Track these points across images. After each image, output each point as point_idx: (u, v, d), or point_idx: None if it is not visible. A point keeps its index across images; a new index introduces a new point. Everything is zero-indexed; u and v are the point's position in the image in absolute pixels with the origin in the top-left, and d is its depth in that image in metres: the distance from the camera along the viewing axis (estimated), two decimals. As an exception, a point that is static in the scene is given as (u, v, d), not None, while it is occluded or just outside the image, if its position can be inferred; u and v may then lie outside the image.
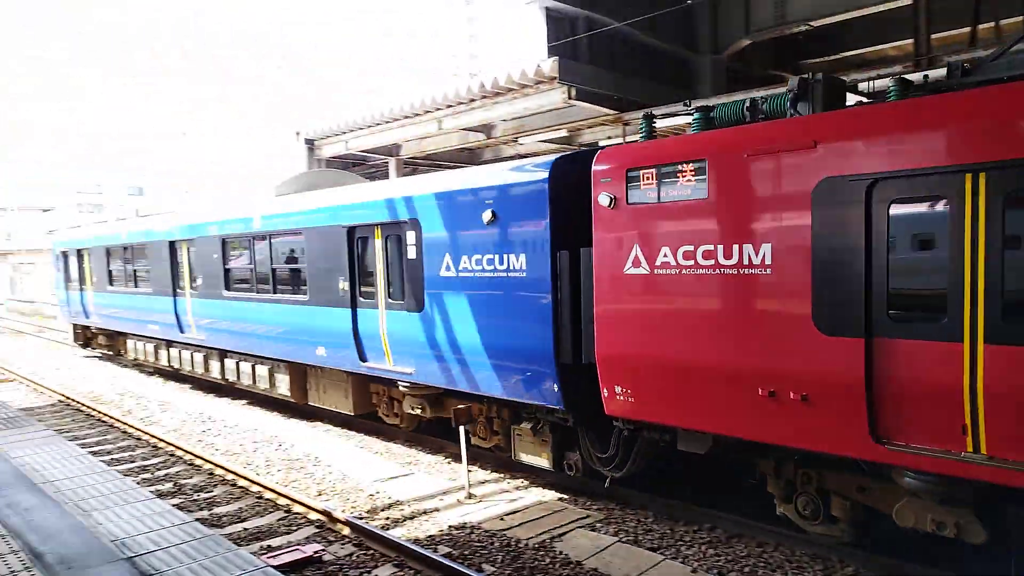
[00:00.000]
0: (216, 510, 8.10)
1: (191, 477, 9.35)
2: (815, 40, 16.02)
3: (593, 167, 6.68)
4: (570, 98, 12.59)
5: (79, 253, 18.65)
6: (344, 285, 9.72)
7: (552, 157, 7.21)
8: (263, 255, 11.46)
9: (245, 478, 9.03)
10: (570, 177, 6.98)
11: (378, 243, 9.20)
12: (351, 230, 9.56)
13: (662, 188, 6.13)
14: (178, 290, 13.94)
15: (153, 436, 11.22)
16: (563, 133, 15.04)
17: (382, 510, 7.92)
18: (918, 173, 4.84)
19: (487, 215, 7.53)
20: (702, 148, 5.90)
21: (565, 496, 8.33)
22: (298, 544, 7.02)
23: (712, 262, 5.82)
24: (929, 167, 4.78)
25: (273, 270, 11.28)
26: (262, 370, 12.22)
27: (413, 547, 6.65)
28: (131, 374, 17.59)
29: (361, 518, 7.61)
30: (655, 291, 6.25)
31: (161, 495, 8.48)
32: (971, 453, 4.75)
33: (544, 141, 15.59)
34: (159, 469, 9.74)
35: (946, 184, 4.74)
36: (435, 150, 17.35)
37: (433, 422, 10.37)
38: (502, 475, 9.10)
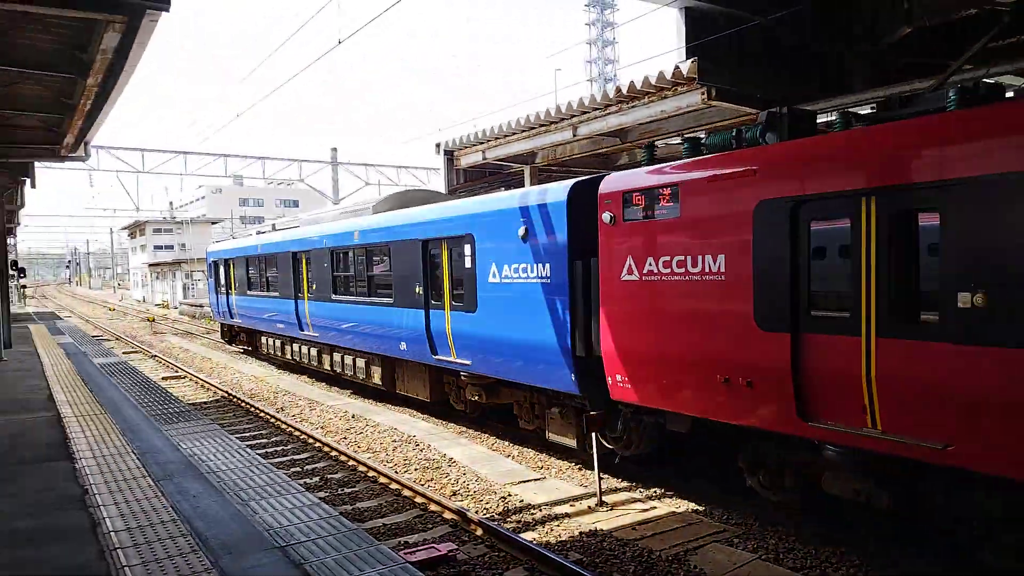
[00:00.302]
0: (359, 505, 8.52)
1: (336, 472, 9.89)
2: (985, 23, 14.66)
3: (600, 190, 8.02)
4: (709, 99, 12.24)
5: (225, 263, 22.00)
6: (419, 290, 11.53)
7: (572, 181, 8.56)
8: (361, 264, 13.63)
9: (385, 475, 9.43)
10: (585, 198, 8.29)
11: (444, 254, 10.92)
12: (424, 243, 11.37)
13: (648, 209, 7.46)
14: (298, 295, 16.36)
15: (303, 432, 11.97)
16: (701, 135, 14.64)
17: (514, 513, 8.02)
18: (828, 196, 5.90)
19: (521, 231, 9.13)
20: (676, 175, 7.19)
21: (700, 508, 8.08)
22: (433, 542, 7.24)
23: (683, 270, 7.10)
24: (836, 191, 5.84)
25: (369, 277, 13.32)
26: (361, 363, 14.42)
27: (544, 552, 6.69)
28: (282, 374, 18.87)
29: (494, 520, 7.75)
30: (642, 295, 7.56)
31: (309, 488, 9.02)
32: (869, 428, 5.75)
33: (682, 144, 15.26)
34: (308, 464, 10.37)
35: (848, 206, 5.80)
36: (569, 157, 17.42)
37: (491, 408, 11.84)
38: (634, 484, 8.97)
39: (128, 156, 35.92)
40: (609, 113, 14.14)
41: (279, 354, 18.91)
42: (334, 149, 39.83)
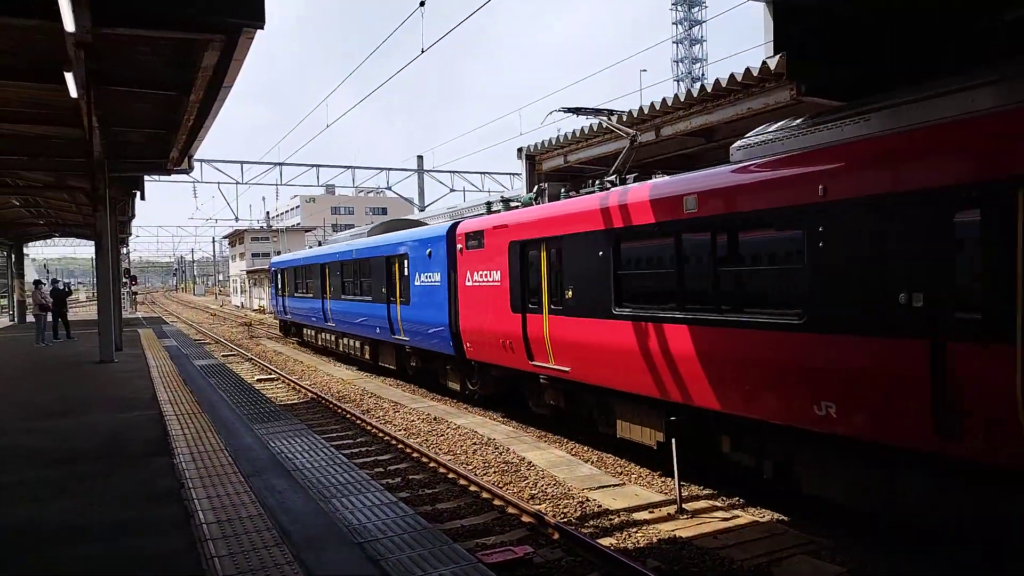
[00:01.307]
0: (438, 506, 8.67)
1: (417, 473, 10.10)
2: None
3: (457, 231, 13.24)
4: (798, 94, 11.84)
5: (281, 272, 29.29)
6: (384, 290, 17.21)
7: (450, 223, 13.95)
8: (356, 273, 19.42)
9: (465, 478, 9.57)
10: (454, 233, 13.42)
11: (396, 266, 16.49)
12: (387, 259, 16.94)
13: (473, 243, 12.55)
14: (324, 295, 22.75)
15: (387, 434, 12.29)
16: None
17: (592, 517, 7.98)
18: (529, 241, 10.95)
19: (428, 252, 14.51)
20: (481, 225, 12.35)
21: (786, 518, 7.82)
22: (510, 545, 7.29)
23: (485, 280, 12.13)
24: (532, 239, 10.92)
25: (360, 282, 19.11)
26: (357, 344, 20.51)
27: (621, 558, 6.63)
28: (368, 378, 19.41)
29: (571, 524, 7.73)
30: (473, 294, 12.60)
31: (391, 488, 9.24)
32: (553, 364, 10.53)
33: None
34: (391, 464, 10.64)
35: (537, 245, 10.90)
36: (653, 159, 17.19)
37: (424, 371, 16.89)
38: (716, 492, 8.77)
39: (228, 168, 37.87)
40: (693, 113, 13.86)
41: (315, 341, 25.32)
42: (420, 157, 40.66)
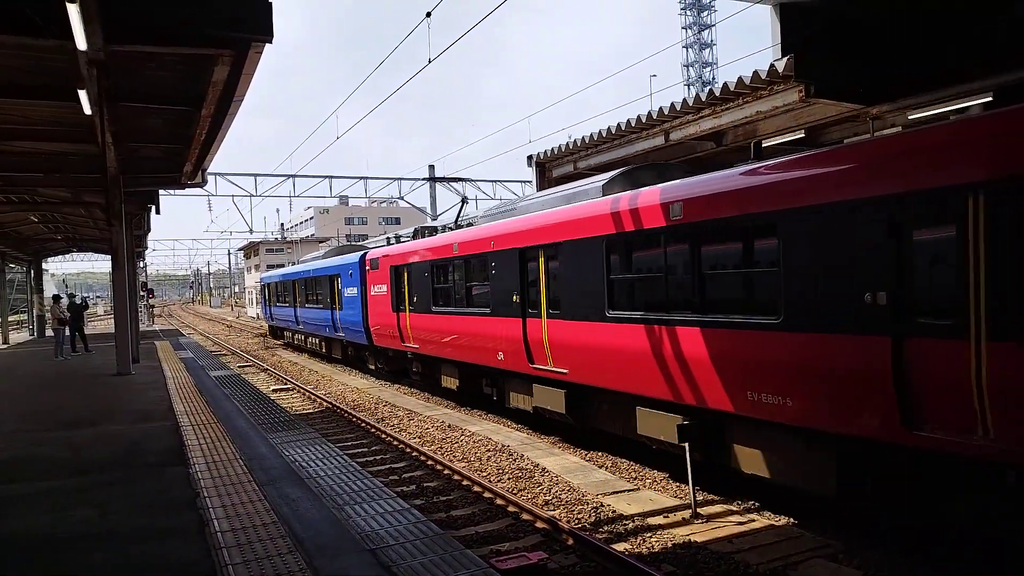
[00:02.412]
0: (453, 513, 8.70)
1: (432, 481, 10.13)
2: None
3: (367, 257, 19.37)
4: (807, 96, 11.81)
5: (266, 285, 37.07)
6: (329, 300, 23.74)
7: (363, 252, 20.50)
8: (313, 287, 26.28)
9: (479, 484, 9.59)
10: (364, 259, 19.63)
11: (336, 283, 22.75)
12: (330, 277, 23.48)
13: (374, 266, 18.47)
14: (295, 304, 29.49)
15: (401, 442, 12.33)
16: (801, 134, 14.16)
17: (606, 523, 7.97)
18: (399, 265, 16.97)
19: (351, 272, 20.74)
20: (376, 254, 18.46)
21: (798, 522, 7.77)
22: (524, 551, 7.30)
23: (379, 292, 18.06)
24: (399, 264, 17.03)
25: (316, 294, 25.73)
26: (316, 341, 27.49)
27: (636, 563, 6.62)
28: (383, 387, 19.49)
29: (585, 530, 7.73)
30: (373, 300, 18.57)
31: (405, 496, 9.28)
32: (411, 344, 16.35)
33: (783, 144, 14.76)
34: (405, 472, 10.68)
35: (401, 268, 17.03)
36: (662, 163, 17.17)
37: (355, 358, 23.67)
38: (731, 497, 8.73)
39: (242, 181, 38.32)
40: (702, 116, 13.87)
41: (291, 339, 32.87)
42: (431, 167, 40.87)
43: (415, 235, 18.75)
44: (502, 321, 12.30)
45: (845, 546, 7.05)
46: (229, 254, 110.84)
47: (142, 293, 42.15)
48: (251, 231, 47.03)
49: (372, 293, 19.10)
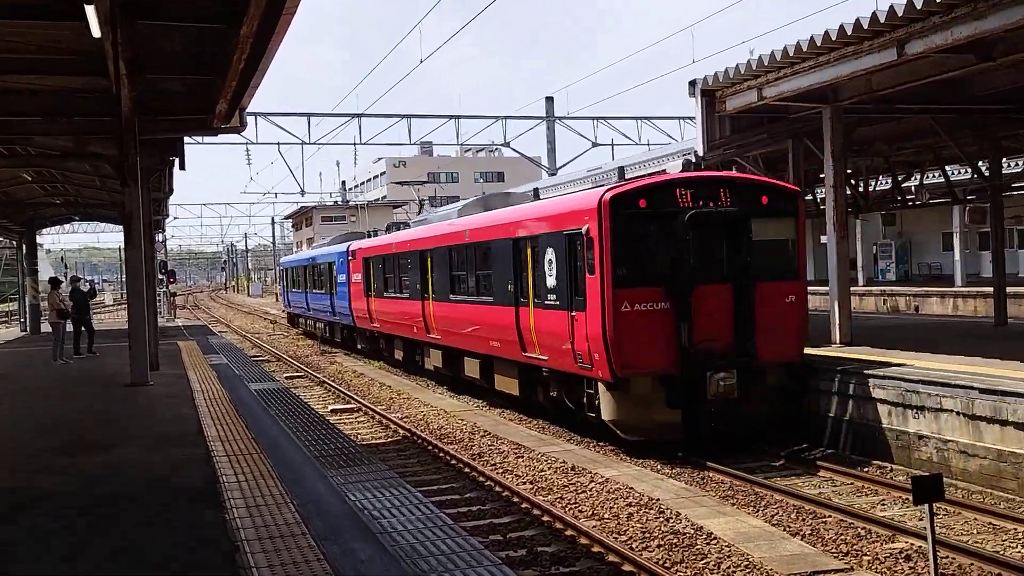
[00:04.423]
0: (578, 590, 8.77)
1: (549, 544, 10.25)
2: None
3: (349, 248, 34.95)
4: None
5: (284, 270, 51.86)
6: (328, 285, 38.16)
7: (348, 244, 35.82)
8: (318, 272, 40.53)
9: (617, 553, 9.62)
10: (347, 251, 35.11)
11: (331, 270, 37.58)
12: (328, 264, 38.23)
13: (354, 256, 33.71)
14: (305, 290, 43.70)
15: (506, 487, 12.53)
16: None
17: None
18: (369, 257, 31.89)
19: (341, 261, 35.80)
20: (355, 247, 34.12)
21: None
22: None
23: (357, 280, 32.94)
24: (368, 256, 32.13)
25: (318, 279, 40.83)
26: (321, 325, 41.86)
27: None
28: (480, 410, 19.84)
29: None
30: (355, 288, 33.29)
31: (511, 562, 9.43)
32: (375, 325, 31.01)
33: None
34: (511, 530, 10.85)
35: (369, 260, 32.69)
36: (893, 89, 16.52)
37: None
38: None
39: (292, 124, 39.56)
40: (956, 18, 13.17)
41: (304, 327, 45.80)
42: (549, 99, 40.74)
43: (387, 230, 33.40)
44: (416, 303, 24.75)
45: None
46: (273, 223, 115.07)
47: (160, 276, 44.55)
48: (303, 192, 48.83)
49: (353, 280, 32.97)
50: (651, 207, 14.62)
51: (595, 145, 41.77)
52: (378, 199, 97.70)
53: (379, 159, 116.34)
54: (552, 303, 16.24)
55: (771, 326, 14.56)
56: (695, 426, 14.34)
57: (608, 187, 15.41)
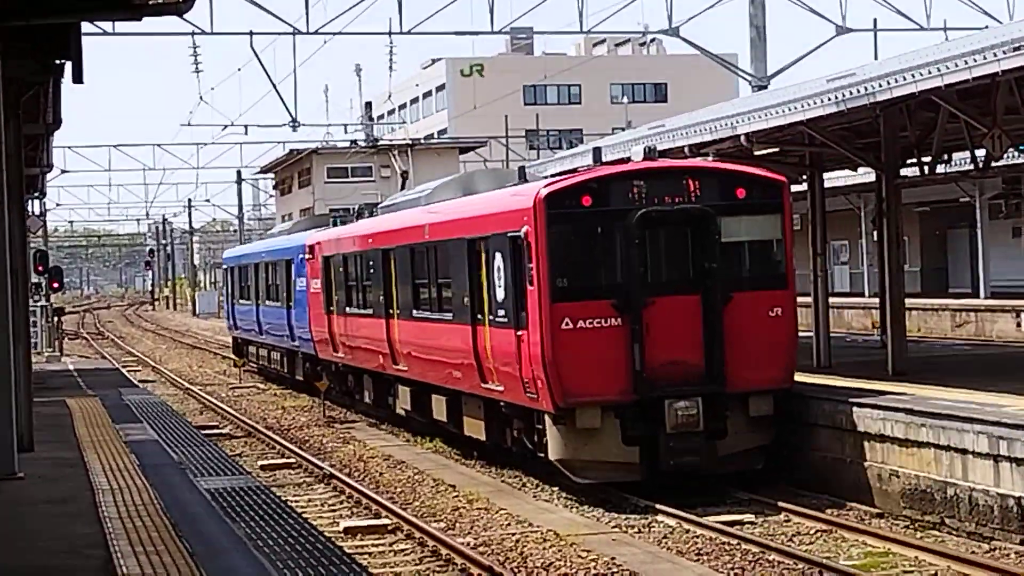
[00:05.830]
0: None
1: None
2: None
3: (306, 242, 28.58)
4: None
5: (227, 270, 43.78)
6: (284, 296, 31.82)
7: (305, 241, 28.84)
8: (266, 276, 33.41)
9: None
10: (311, 243, 28.40)
11: (283, 270, 31.25)
12: (286, 262, 31.10)
13: (312, 255, 27.48)
14: (253, 300, 35.40)
15: None
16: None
17: None
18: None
19: (299, 258, 29.27)
20: (315, 239, 27.96)
21: None
22: None
23: (318, 284, 26.40)
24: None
25: (271, 286, 32.77)
26: (275, 356, 33.84)
27: None
28: (609, 529, 16.06)
29: None
30: (314, 299, 27.09)
31: None
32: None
33: None
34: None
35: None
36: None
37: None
38: None
39: (276, 3, 21.95)
40: None
41: (257, 357, 37.16)
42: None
43: (358, 215, 27.13)
44: (379, 321, 20.56)
45: None
46: (240, 181, 69.64)
47: (35, 278, 31.40)
48: (295, 123, 31.31)
49: (312, 289, 27.00)
50: (598, 204, 12.81)
51: (842, 31, 26.14)
52: (433, 135, 63.79)
53: (433, 61, 74.49)
54: (502, 320, 14.00)
55: (749, 345, 12.65)
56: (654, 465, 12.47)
57: (549, 180, 13.92)
